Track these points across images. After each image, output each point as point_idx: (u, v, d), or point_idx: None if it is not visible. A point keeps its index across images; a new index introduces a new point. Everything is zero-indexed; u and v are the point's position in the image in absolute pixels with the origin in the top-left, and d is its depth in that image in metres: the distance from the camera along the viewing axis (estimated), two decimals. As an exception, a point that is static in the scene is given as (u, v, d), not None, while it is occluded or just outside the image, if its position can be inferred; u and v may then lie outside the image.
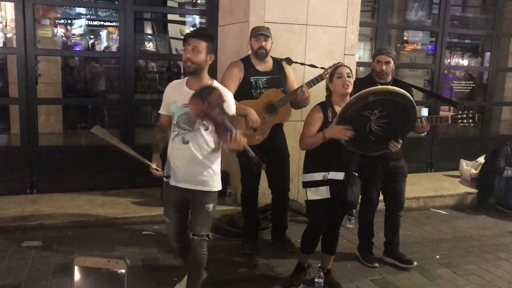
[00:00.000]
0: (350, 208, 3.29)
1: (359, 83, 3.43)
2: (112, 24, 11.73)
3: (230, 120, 2.59)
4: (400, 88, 3.73)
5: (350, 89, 3.17)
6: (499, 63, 7.61)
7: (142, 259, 3.78)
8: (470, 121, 3.56)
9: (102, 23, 12.05)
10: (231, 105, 2.80)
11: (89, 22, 11.69)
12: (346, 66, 3.25)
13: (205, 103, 2.46)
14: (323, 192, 3.16)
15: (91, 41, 11.87)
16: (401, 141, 3.28)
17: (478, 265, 4.00)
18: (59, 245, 3.96)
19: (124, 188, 5.23)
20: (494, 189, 5.70)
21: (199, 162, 2.80)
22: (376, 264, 3.86)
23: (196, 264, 2.88)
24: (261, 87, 3.81)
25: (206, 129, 2.78)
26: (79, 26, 11.42)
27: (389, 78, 3.76)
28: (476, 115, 3.56)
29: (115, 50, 10.00)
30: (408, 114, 3.15)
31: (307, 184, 3.23)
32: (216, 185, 2.90)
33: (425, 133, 4.08)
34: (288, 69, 3.99)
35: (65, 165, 5.15)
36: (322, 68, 3.76)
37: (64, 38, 10.38)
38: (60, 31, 10.09)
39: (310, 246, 3.38)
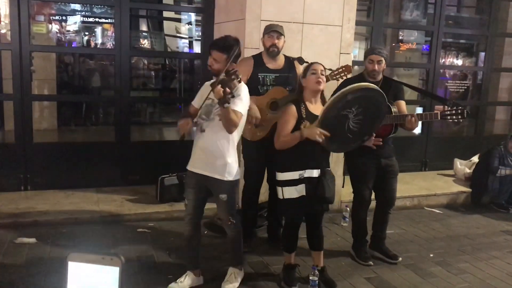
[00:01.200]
0: (328, 203, 3.34)
1: (349, 82, 3.46)
2: (107, 21, 11.69)
3: (229, 80, 2.95)
4: (391, 86, 3.79)
5: (322, 87, 3.22)
6: (493, 63, 7.65)
7: (136, 257, 3.77)
8: (459, 117, 3.59)
9: (97, 19, 12.00)
10: (243, 97, 3.08)
11: (84, 18, 11.64)
12: (320, 64, 3.29)
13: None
14: (299, 191, 3.20)
15: (86, 37, 11.83)
16: (374, 134, 3.39)
17: (471, 264, 4.03)
18: (53, 242, 3.95)
19: (118, 185, 5.22)
20: (488, 188, 5.73)
21: (213, 150, 3.07)
22: (371, 262, 3.87)
23: (229, 241, 3.34)
24: (269, 84, 3.82)
25: (220, 119, 3.02)
26: (74, 23, 11.38)
27: (380, 77, 3.78)
28: (465, 110, 3.59)
29: (110, 47, 9.96)
30: (380, 107, 3.26)
31: (283, 183, 3.24)
32: (227, 175, 3.09)
33: (418, 131, 4.13)
34: (299, 68, 3.99)
35: (60, 162, 5.13)
36: (330, 69, 3.84)
37: (58, 35, 10.34)
38: (54, 27, 10.05)
39: (291, 244, 3.44)
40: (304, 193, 3.20)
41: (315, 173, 3.21)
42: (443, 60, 11.31)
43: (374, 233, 4.07)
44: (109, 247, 3.88)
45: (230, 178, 3.11)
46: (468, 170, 6.26)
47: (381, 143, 3.57)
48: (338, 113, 3.10)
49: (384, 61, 3.74)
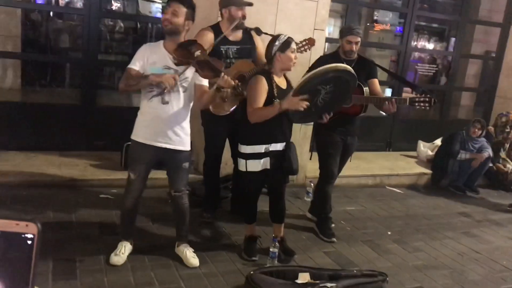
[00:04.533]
0: (294, 175, 3.46)
1: (325, 60, 3.47)
2: (78, -21, 11.23)
3: (212, 60, 2.88)
4: (365, 65, 3.83)
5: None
6: (463, 49, 7.80)
7: (98, 222, 3.74)
8: (427, 104, 3.67)
9: (67, -23, 11.50)
10: None
11: (54, -25, 11.14)
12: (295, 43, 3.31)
13: (188, 48, 2.85)
14: (263, 164, 3.23)
15: (55, -5, 11.36)
16: (331, 115, 3.43)
17: (426, 243, 4.18)
18: (12, 205, 3.86)
19: (83, 150, 5.13)
20: (448, 171, 5.92)
21: (176, 122, 3.01)
22: (334, 239, 3.95)
23: (182, 215, 3.26)
24: (231, 57, 3.75)
25: (185, 91, 3.00)
26: (42, -22, 10.88)
27: (355, 56, 3.83)
28: (432, 99, 3.67)
29: (80, 7, 9.61)
30: (348, 91, 3.33)
31: (247, 156, 3.26)
32: (189, 144, 3.13)
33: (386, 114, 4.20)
34: (257, 39, 3.95)
35: (22, 123, 4.97)
36: (278, 36, 3.74)
37: (25, -10, 9.88)
38: (21, -18, 9.60)
39: (251, 215, 3.51)
40: (268, 166, 3.23)
41: (279, 146, 3.25)
42: (415, 43, 11.41)
43: (314, 199, 4.27)
44: (70, 212, 3.84)
45: (189, 147, 3.15)
46: (430, 153, 6.43)
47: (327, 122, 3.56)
48: (314, 86, 3.11)
49: (359, 41, 3.79)
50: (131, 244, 3.27)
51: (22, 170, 4.42)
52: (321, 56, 3.93)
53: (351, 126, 3.88)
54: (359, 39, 3.78)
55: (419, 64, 9.84)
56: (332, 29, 11.08)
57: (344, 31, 3.89)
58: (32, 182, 4.27)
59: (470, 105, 9.96)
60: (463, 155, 5.83)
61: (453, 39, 8.73)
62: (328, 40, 6.11)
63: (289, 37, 3.28)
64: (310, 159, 4.24)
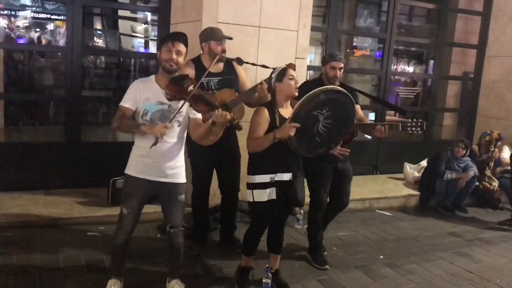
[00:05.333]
0: (299, 206, 3.39)
1: (309, 86, 3.50)
2: (59, 17, 11.32)
3: (206, 94, 2.93)
4: (348, 92, 3.86)
5: (297, 92, 3.24)
6: (441, 71, 7.97)
7: (86, 261, 3.67)
8: (419, 129, 3.74)
9: (49, 16, 11.59)
10: None
11: (35, 14, 11.22)
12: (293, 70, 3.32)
13: (181, 84, 2.88)
14: (270, 194, 3.19)
15: (37, 34, 11.41)
16: (340, 143, 3.41)
17: (419, 264, 4.17)
18: (-3, 247, 3.79)
19: (68, 188, 5.06)
20: (435, 191, 5.96)
21: (171, 156, 3.00)
22: (327, 266, 3.91)
23: (177, 252, 3.18)
24: (213, 88, 3.78)
25: (179, 125, 2.99)
26: (24, 18, 10.95)
27: (337, 83, 3.87)
28: (424, 123, 3.75)
29: (62, 45, 9.66)
30: (350, 114, 3.29)
31: (253, 186, 3.23)
32: (184, 176, 3.12)
33: (370, 136, 4.24)
34: (239, 69, 3.99)
35: (6, 163, 4.91)
36: (274, 68, 3.79)
37: (7, 30, 9.92)
38: (3, 22, 9.65)
39: (253, 247, 3.44)
40: (274, 197, 3.19)
41: (286, 176, 3.22)
42: (395, 66, 11.64)
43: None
44: (58, 252, 3.76)
45: (184, 179, 3.12)
46: (417, 174, 6.48)
47: (348, 154, 3.61)
48: (309, 113, 3.08)
49: (343, 68, 3.85)
50: (121, 282, 3.19)
51: (7, 211, 4.34)
52: (304, 82, 3.96)
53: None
54: (342, 64, 3.83)
55: (400, 87, 10.01)
56: (313, 57, 11.27)
57: (327, 58, 3.94)
58: (18, 223, 4.19)
59: (452, 125, 10.10)
60: (449, 175, 5.88)
61: (431, 62, 8.91)
62: (310, 68, 6.20)
63: (284, 66, 3.31)
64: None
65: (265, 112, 3.19)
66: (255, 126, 3.19)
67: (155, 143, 2.82)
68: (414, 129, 3.74)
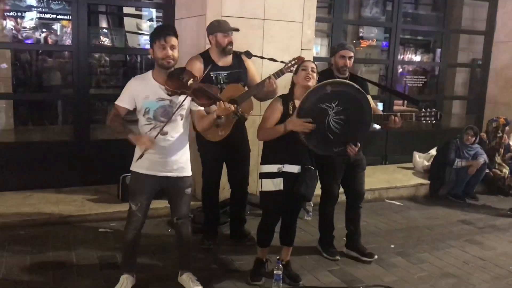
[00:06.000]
0: (304, 201, 3.35)
1: (319, 75, 3.47)
2: (65, 17, 11.38)
3: (206, 86, 2.91)
4: (357, 83, 3.74)
5: (311, 83, 3.21)
6: (449, 58, 7.90)
7: (98, 257, 3.70)
8: (433, 119, 3.54)
9: (54, 16, 11.66)
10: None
11: (41, 15, 11.28)
12: (312, 62, 3.32)
13: (180, 78, 2.85)
14: (276, 184, 3.20)
15: (44, 34, 11.47)
16: (359, 144, 3.29)
17: (430, 253, 4.15)
18: (11, 246, 3.82)
19: (79, 185, 5.10)
20: (445, 180, 5.93)
21: (176, 151, 3.02)
22: (338, 257, 3.91)
23: (185, 243, 3.25)
24: (222, 82, 3.77)
25: (182, 119, 3.00)
26: (30, 19, 11.01)
27: (347, 73, 3.82)
28: (438, 113, 3.55)
29: (69, 44, 9.71)
30: (364, 113, 3.19)
31: (263, 175, 3.26)
32: (189, 169, 3.14)
33: (378, 126, 4.12)
34: (248, 63, 3.98)
35: (17, 163, 4.96)
36: (282, 62, 3.79)
37: (14, 31, 9.99)
38: (9, 23, 9.71)
39: (266, 238, 3.43)
40: (282, 188, 3.19)
41: (296, 169, 3.21)
42: (402, 56, 11.57)
43: (348, 231, 4.05)
44: (70, 249, 3.80)
45: (190, 172, 3.15)
46: (426, 163, 6.45)
47: (357, 151, 3.49)
48: (316, 105, 3.06)
49: (353, 57, 3.78)
50: (133, 277, 3.22)
51: (19, 210, 4.39)
52: None
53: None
54: (351, 53, 3.77)
55: (407, 77, 9.95)
56: (319, 48, 11.22)
57: (336, 48, 3.89)
58: (30, 222, 4.23)
59: (461, 113, 10.03)
60: (459, 163, 5.84)
61: (439, 50, 8.84)
62: (316, 59, 6.18)
63: (303, 60, 3.36)
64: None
65: (279, 102, 3.23)
66: (267, 116, 3.23)
67: (140, 156, 2.81)
68: (428, 119, 3.54)
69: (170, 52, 2.87)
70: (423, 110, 3.60)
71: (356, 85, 3.16)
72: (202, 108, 3.02)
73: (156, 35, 2.88)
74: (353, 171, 3.88)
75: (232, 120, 3.71)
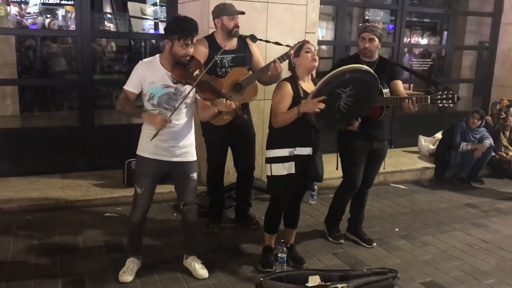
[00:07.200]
0: (317, 181, 3.42)
1: (345, 61, 3.42)
2: (69, 2, 11.36)
3: (212, 80, 2.95)
4: (387, 66, 3.63)
5: (317, 64, 3.21)
6: (456, 41, 7.81)
7: (104, 241, 3.74)
8: (450, 101, 3.36)
9: (58, 1, 11.64)
10: None
11: (45, 0, 11.27)
12: (312, 45, 3.28)
13: (187, 67, 2.88)
14: (288, 168, 3.18)
15: (48, 20, 11.45)
16: (360, 119, 3.35)
17: (434, 236, 4.16)
18: (18, 230, 3.87)
19: (84, 171, 5.14)
20: (451, 163, 5.90)
21: (182, 136, 3.05)
22: (342, 241, 3.92)
23: (191, 228, 3.29)
24: (227, 66, 3.76)
25: (186, 107, 3.02)
26: (34, 5, 10.99)
27: (375, 57, 3.69)
28: (456, 95, 3.36)
29: (72, 29, 9.69)
30: (372, 93, 3.22)
31: (272, 160, 3.22)
32: (194, 154, 3.16)
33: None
34: (253, 47, 3.95)
35: (23, 148, 5.00)
36: (288, 46, 3.74)
37: (18, 17, 9.97)
38: (14, 9, 9.69)
39: (274, 224, 3.42)
40: (293, 171, 3.18)
41: (306, 151, 3.20)
42: (408, 39, 11.45)
43: (351, 216, 4.04)
44: (76, 233, 3.84)
45: (195, 157, 3.16)
46: (432, 147, 6.42)
47: (357, 129, 3.44)
48: (332, 90, 3.05)
49: (377, 39, 3.63)
50: (139, 260, 3.26)
51: (25, 195, 4.43)
52: (341, 59, 3.83)
53: (375, 131, 3.69)
54: (373, 36, 3.60)
55: (413, 60, 9.85)
56: (324, 32, 11.12)
57: (359, 29, 3.80)
58: (36, 206, 4.27)
59: (468, 97, 9.94)
60: (464, 147, 5.81)
61: (445, 33, 8.73)
62: (321, 42, 6.13)
63: (302, 42, 3.32)
64: (337, 168, 3.86)
65: (288, 86, 3.17)
66: (279, 101, 3.16)
67: (155, 135, 2.88)
68: (445, 101, 3.36)
69: (190, 50, 2.91)
70: (440, 92, 3.40)
71: (371, 71, 3.13)
72: None
73: (181, 33, 2.84)
74: (372, 159, 3.79)
75: (241, 121, 3.67)
